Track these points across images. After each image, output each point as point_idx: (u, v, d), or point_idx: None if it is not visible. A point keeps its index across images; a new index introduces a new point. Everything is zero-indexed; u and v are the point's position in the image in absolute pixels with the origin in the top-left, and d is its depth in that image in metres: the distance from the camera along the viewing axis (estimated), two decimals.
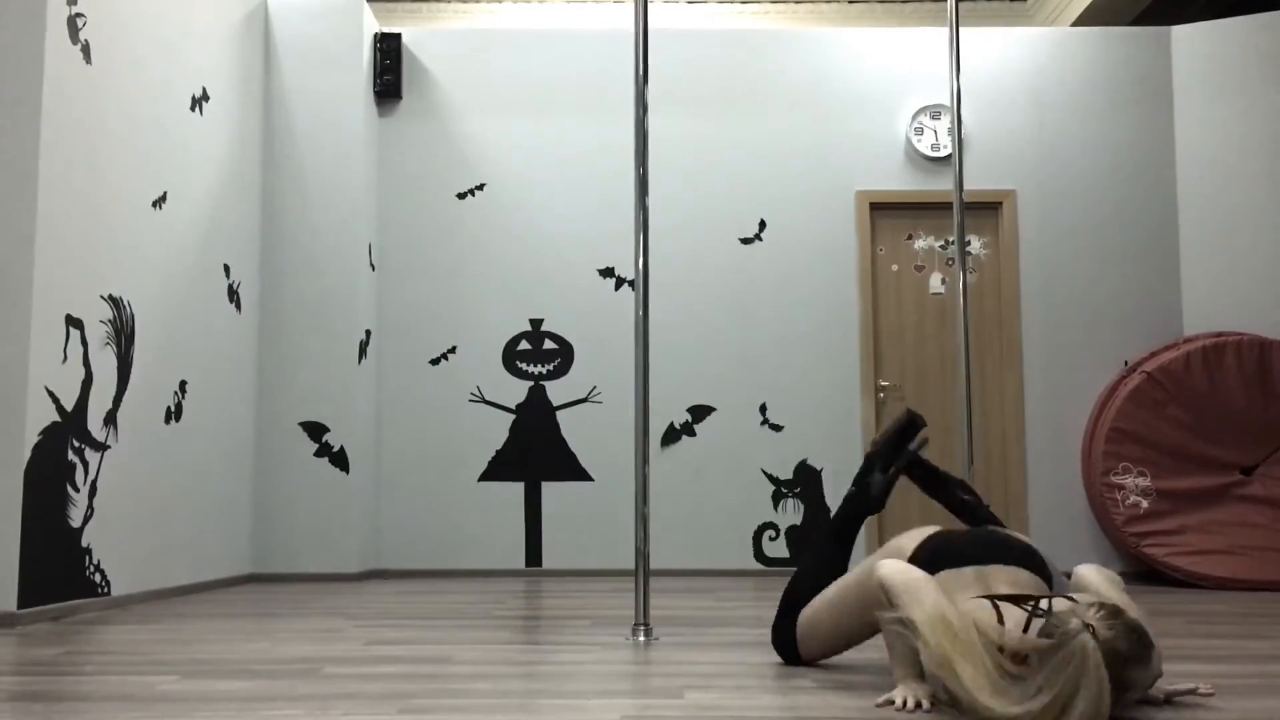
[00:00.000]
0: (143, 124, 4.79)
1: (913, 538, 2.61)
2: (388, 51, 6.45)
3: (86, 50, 4.34)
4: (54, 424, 4.06)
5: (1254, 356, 5.89)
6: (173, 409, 5.01)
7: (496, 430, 6.38)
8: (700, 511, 6.29)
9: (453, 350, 6.45)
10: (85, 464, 4.27)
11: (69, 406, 4.16)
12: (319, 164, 6.14)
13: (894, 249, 6.52)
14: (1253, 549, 5.64)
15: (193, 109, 5.28)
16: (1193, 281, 6.40)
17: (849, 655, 3.03)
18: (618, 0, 7.84)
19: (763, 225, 6.50)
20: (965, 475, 4.80)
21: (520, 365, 6.43)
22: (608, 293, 6.46)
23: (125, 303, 4.60)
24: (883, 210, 6.51)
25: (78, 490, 4.22)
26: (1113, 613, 2.06)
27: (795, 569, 3.03)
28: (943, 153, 6.47)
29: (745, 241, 6.51)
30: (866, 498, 2.98)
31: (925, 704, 2.26)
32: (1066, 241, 6.47)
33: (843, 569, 2.91)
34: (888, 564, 2.42)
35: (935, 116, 6.51)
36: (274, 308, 6.05)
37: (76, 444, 4.21)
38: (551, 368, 6.42)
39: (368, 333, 6.26)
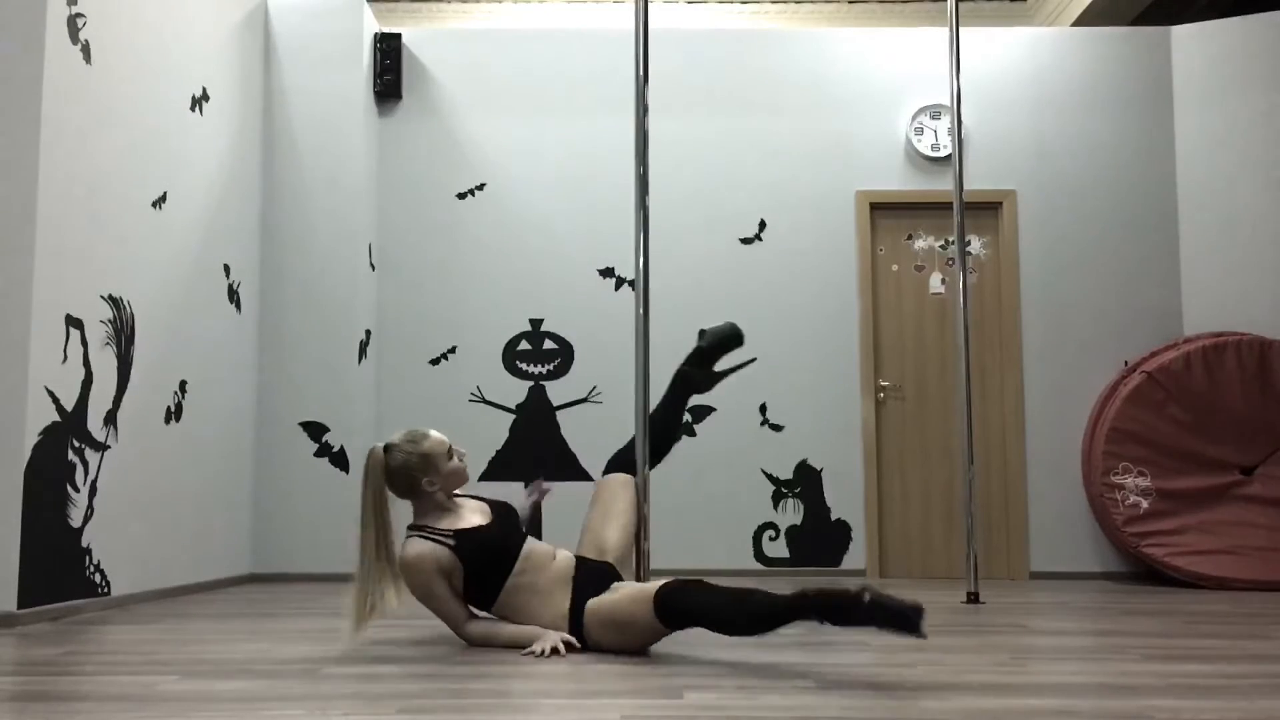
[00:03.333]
0: (143, 124, 4.79)
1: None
2: (388, 51, 6.44)
3: (86, 50, 4.34)
4: (54, 424, 4.06)
5: (1254, 356, 5.89)
6: (173, 409, 5.01)
7: (496, 430, 6.38)
8: (700, 511, 6.29)
9: (453, 350, 6.45)
10: (85, 464, 4.27)
11: (69, 406, 4.16)
12: (319, 164, 6.14)
13: (894, 249, 6.52)
14: (1253, 549, 5.64)
15: (193, 109, 5.28)
16: (1193, 281, 6.40)
17: (849, 657, 3.03)
18: (618, 0, 7.84)
19: (763, 225, 6.50)
20: (966, 475, 4.82)
21: (520, 365, 6.43)
22: (608, 293, 6.46)
23: (125, 303, 4.60)
24: (883, 210, 6.51)
25: (78, 490, 4.22)
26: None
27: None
28: (943, 153, 6.47)
29: (745, 241, 6.50)
30: (699, 382, 3.93)
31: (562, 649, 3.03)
32: (1066, 241, 6.47)
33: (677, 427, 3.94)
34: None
35: (935, 116, 6.51)
36: (274, 308, 6.05)
37: (76, 444, 4.21)
38: (551, 368, 6.42)
39: (368, 333, 6.26)
